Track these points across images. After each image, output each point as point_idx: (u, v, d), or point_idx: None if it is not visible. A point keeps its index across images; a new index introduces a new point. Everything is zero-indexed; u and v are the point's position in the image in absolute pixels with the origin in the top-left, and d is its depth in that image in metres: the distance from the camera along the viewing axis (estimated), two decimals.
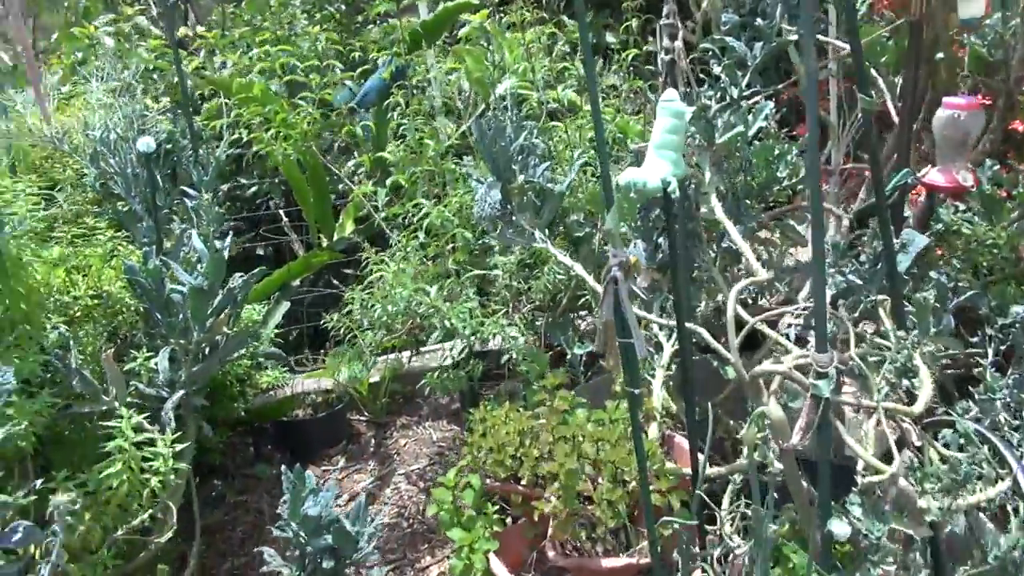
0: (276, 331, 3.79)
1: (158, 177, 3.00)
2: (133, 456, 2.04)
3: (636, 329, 1.68)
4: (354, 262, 3.65)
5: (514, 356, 2.73)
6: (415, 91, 3.23)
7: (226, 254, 2.67)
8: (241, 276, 2.79)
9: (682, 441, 2.46)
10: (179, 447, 2.23)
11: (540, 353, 2.82)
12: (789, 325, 2.87)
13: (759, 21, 2.58)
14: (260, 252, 4.97)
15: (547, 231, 2.53)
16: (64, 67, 5.41)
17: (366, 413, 4.14)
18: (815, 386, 1.86)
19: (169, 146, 3.51)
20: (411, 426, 4.07)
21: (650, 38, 5.26)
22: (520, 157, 2.58)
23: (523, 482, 2.22)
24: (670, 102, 1.86)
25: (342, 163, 3.73)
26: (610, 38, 6.50)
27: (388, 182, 3.04)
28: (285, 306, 3.78)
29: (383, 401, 4.13)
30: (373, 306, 2.74)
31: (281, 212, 4.04)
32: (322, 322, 3.15)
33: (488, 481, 2.29)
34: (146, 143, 2.71)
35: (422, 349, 3.48)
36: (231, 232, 3.59)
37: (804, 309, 2.10)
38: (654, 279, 2.85)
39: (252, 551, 3.36)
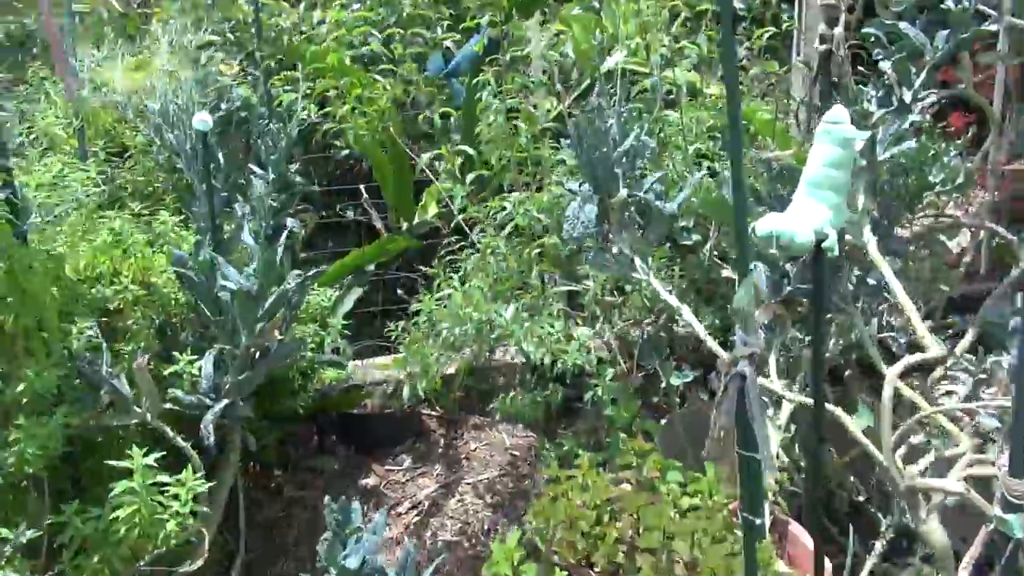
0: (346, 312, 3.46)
1: (220, 156, 2.65)
2: (144, 500, 1.72)
3: (765, 442, 1.20)
4: (436, 246, 3.26)
5: (600, 393, 2.28)
6: (509, 66, 2.76)
7: (280, 252, 2.30)
8: (298, 274, 2.42)
9: (800, 533, 1.96)
10: (206, 486, 1.90)
11: (630, 393, 2.36)
12: (943, 378, 2.30)
13: (948, 3, 1.97)
14: (352, 214, 4.61)
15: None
16: (164, 18, 5.17)
17: (437, 408, 3.78)
18: (1003, 521, 1.34)
19: (244, 114, 3.18)
20: (484, 428, 3.69)
21: (783, 5, 4.56)
22: (625, 160, 2.08)
23: (597, 568, 1.79)
24: (836, 125, 1.33)
25: (436, 132, 3.25)
26: (737, 3, 5.77)
27: (468, 178, 2.60)
28: (357, 293, 3.43)
29: (456, 396, 3.76)
30: (440, 323, 2.34)
31: (361, 187, 3.67)
32: (386, 330, 2.78)
33: (554, 558, 1.87)
34: (202, 120, 2.35)
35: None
36: (303, 212, 3.25)
37: (994, 406, 1.55)
38: (777, 314, 2.33)
39: (305, 555, 3.09)
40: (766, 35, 2.99)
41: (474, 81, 2.79)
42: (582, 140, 1.91)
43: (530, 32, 3.18)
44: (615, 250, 1.98)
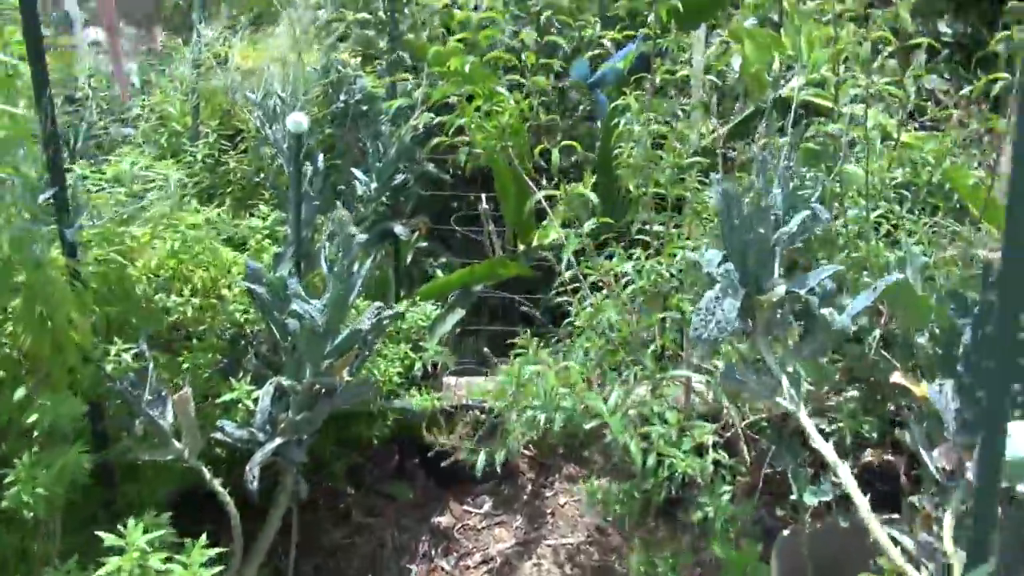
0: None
1: (319, 159, 2.34)
2: None
3: None
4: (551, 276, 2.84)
5: (711, 515, 1.80)
6: (658, 89, 2.28)
7: (358, 285, 1.95)
8: (378, 307, 2.08)
9: None
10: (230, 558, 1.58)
11: (749, 510, 1.87)
12: None
13: None
14: (475, 212, 4.27)
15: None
16: None
17: (531, 448, 3.38)
18: None
19: (365, 108, 2.86)
20: (578, 481, 3.26)
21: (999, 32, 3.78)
22: (786, 238, 1.57)
23: None
24: None
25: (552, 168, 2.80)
26: (943, 27, 4.93)
27: (586, 227, 2.16)
28: (459, 314, 3.07)
29: (553, 438, 3.34)
30: (526, 398, 1.93)
31: (483, 196, 3.30)
32: (467, 398, 2.39)
33: None
34: (296, 121, 2.03)
35: None
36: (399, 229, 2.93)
37: None
38: (958, 459, 1.75)
39: None
40: (999, 82, 2.28)
41: (613, 105, 2.33)
42: (731, 214, 1.42)
43: (694, 47, 2.66)
44: (757, 357, 1.49)
